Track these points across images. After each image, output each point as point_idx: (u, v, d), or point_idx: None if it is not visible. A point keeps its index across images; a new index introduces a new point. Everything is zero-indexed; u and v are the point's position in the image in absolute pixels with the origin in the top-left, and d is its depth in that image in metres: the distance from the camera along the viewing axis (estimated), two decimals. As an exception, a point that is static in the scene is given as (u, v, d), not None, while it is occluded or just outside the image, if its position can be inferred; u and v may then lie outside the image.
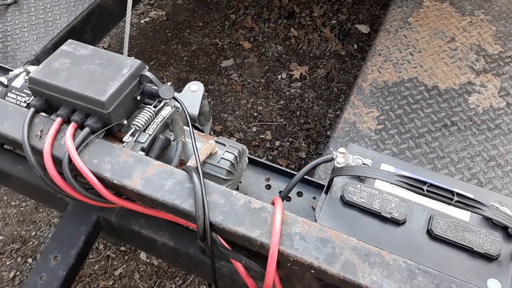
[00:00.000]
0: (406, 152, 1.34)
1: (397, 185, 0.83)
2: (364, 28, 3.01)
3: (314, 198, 1.23)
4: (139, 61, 1.05)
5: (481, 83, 1.56)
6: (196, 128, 1.26)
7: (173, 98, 1.07)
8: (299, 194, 1.22)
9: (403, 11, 1.87)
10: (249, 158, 1.27)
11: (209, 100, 2.64)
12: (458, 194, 0.82)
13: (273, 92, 2.68)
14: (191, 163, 1.01)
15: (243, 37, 2.98)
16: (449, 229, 0.90)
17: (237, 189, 1.19)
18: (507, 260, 0.88)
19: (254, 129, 2.50)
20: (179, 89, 2.75)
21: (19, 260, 2.16)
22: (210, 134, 1.39)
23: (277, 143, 2.44)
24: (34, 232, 2.25)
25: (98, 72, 1.03)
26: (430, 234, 0.90)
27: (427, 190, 0.82)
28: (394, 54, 1.65)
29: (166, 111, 1.12)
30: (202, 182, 0.87)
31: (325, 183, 1.25)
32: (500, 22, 1.81)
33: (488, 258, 0.87)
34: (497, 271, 0.86)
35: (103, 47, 2.87)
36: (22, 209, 2.31)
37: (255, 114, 2.58)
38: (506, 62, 1.64)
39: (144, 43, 2.94)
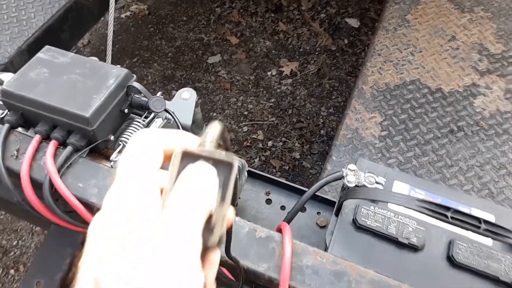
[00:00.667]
0: (413, 161, 1.27)
1: (419, 211, 0.75)
2: (354, 22, 2.93)
3: (318, 213, 1.15)
4: (126, 70, 0.95)
5: (486, 84, 1.49)
6: (189, 140, 1.16)
7: (166, 110, 0.97)
8: (302, 208, 1.14)
9: (400, 8, 1.79)
10: (248, 171, 1.18)
11: (197, 98, 2.53)
12: (486, 222, 0.74)
13: (263, 89, 2.59)
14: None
15: (229, 31, 2.87)
16: (471, 255, 0.83)
17: (236, 205, 1.10)
18: (536, 288, 0.81)
19: (245, 128, 2.41)
20: (164, 87, 2.63)
21: (0, 271, 2.03)
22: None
23: (270, 143, 2.35)
24: (16, 242, 2.13)
25: (80, 83, 0.92)
26: (451, 261, 0.83)
27: (451, 217, 0.75)
28: (394, 54, 1.57)
29: (157, 124, 1.01)
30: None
31: (329, 196, 1.17)
32: (500, 19, 1.74)
33: (515, 287, 0.81)
34: (525, 302, 0.80)
35: (83, 43, 2.73)
36: (1, 217, 2.18)
37: (246, 113, 2.48)
38: (510, 62, 1.57)
39: (126, 39, 2.80)
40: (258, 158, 2.24)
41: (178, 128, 0.96)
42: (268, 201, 1.16)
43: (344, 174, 0.91)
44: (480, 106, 1.42)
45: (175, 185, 0.35)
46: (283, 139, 2.37)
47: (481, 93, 1.46)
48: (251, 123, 2.42)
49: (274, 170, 2.24)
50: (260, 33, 2.89)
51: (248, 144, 2.34)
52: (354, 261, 0.86)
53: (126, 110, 0.96)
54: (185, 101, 1.17)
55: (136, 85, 0.93)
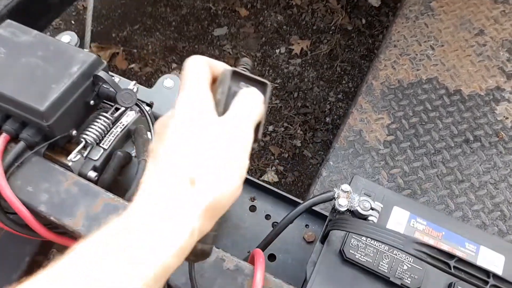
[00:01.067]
0: (419, 172, 1.14)
1: (416, 257, 0.63)
2: (374, 1, 2.72)
3: (306, 226, 1.04)
4: (94, 56, 0.82)
5: None
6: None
7: (136, 104, 0.85)
8: (289, 221, 1.02)
9: (425, -9, 1.61)
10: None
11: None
12: (495, 276, 0.62)
13: (270, 68, 2.44)
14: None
15: (239, 2, 2.69)
16: (473, 305, 0.71)
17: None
18: None
19: (246, 110, 2.27)
20: (165, 59, 2.49)
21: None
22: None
23: (271, 128, 2.22)
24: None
25: (40, 68, 0.80)
26: (450, 310, 0.71)
27: (454, 267, 0.63)
28: (412, 47, 1.41)
29: (129, 118, 0.89)
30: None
31: (320, 209, 1.05)
32: (537, 13, 1.56)
33: None
34: None
35: (83, 5, 2.57)
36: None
37: (248, 93, 2.33)
38: (542, 64, 1.41)
39: (129, 4, 2.64)
40: (256, 144, 2.12)
41: (150, 128, 0.84)
42: (253, 208, 1.05)
43: (336, 196, 0.79)
44: (503, 114, 1.27)
45: (235, 101, 0.45)
46: (285, 124, 2.24)
47: (506, 98, 1.31)
48: (253, 104, 2.28)
49: (272, 158, 2.12)
50: (272, 5, 2.71)
51: (248, 127, 2.22)
52: (337, 300, 0.76)
53: (92, 102, 0.84)
54: (168, 90, 1.04)
55: (103, 75, 0.80)
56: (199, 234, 0.40)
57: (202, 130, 0.42)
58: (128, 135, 0.90)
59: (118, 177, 0.88)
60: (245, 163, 0.42)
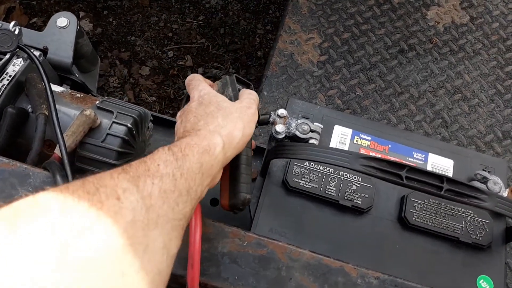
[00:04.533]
0: (357, 90, 1.09)
1: (364, 173, 0.58)
2: None
3: (246, 163, 0.96)
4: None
5: (440, -9, 1.29)
6: (74, 84, 0.90)
7: (20, 48, 0.71)
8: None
9: None
10: (157, 118, 0.95)
11: (110, 19, 2.17)
12: (449, 180, 0.58)
13: (190, 5, 2.26)
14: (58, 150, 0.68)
15: None
16: (427, 214, 0.69)
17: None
18: (499, 247, 0.69)
19: (171, 53, 2.12)
20: (70, 8, 2.23)
21: None
22: (98, 89, 1.04)
23: (200, 70, 2.09)
24: None
25: None
26: (405, 224, 0.68)
27: (406, 178, 0.58)
28: (335, -43, 1.31)
29: (16, 67, 0.75)
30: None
31: (261, 141, 0.98)
32: None
33: (477, 248, 0.68)
34: (488, 264, 0.68)
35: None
36: None
37: (170, 34, 2.17)
38: (467, -38, 1.37)
39: None
40: (186, 91, 2.00)
41: (41, 74, 0.70)
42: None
43: (271, 119, 0.72)
44: (434, 19, 1.23)
45: (243, 94, 0.64)
46: (216, 64, 2.12)
47: (435, 2, 1.27)
48: (177, 46, 2.12)
49: (206, 101, 2.02)
50: None
51: (175, 72, 2.07)
52: (287, 234, 0.70)
53: (-37, 50, 0.68)
54: (63, 30, 0.89)
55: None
56: (225, 152, 0.54)
57: (221, 103, 0.60)
58: (19, 88, 0.76)
59: (18, 139, 0.75)
60: (252, 128, 0.59)
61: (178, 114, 0.62)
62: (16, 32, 0.75)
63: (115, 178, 0.38)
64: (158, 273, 0.39)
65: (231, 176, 0.62)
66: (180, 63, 2.11)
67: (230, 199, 0.62)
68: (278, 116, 0.72)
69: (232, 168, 0.60)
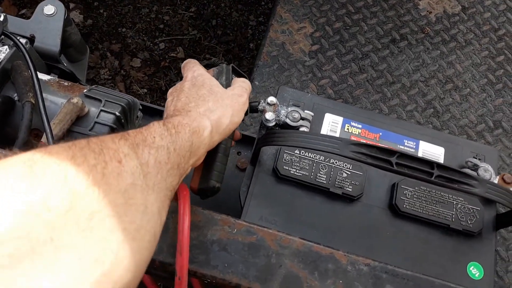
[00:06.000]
0: (349, 80, 1.09)
1: (354, 159, 0.57)
2: None
3: (238, 153, 0.96)
4: None
5: (432, -19, 1.29)
6: (62, 73, 0.89)
7: (5, 35, 0.69)
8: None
9: None
10: (146, 107, 0.95)
11: (101, 11, 2.15)
12: (440, 166, 0.58)
13: (182, -4, 2.24)
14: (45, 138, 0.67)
15: None
16: (418, 201, 0.69)
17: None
18: (489, 234, 0.69)
19: (162, 45, 2.10)
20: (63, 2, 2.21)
21: None
22: (87, 75, 1.03)
23: (191, 62, 2.07)
24: None
25: None
26: (395, 210, 0.68)
27: (396, 164, 0.58)
28: None
29: (2, 55, 0.74)
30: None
31: (252, 131, 0.98)
32: None
33: (467, 235, 0.68)
34: (479, 251, 0.68)
35: None
36: None
37: (161, 26, 2.16)
38: (459, -48, 1.37)
39: None
40: (179, 80, 1.98)
41: (28, 62, 0.69)
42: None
43: (261, 107, 0.71)
44: (426, 9, 1.23)
45: (235, 82, 0.65)
46: (208, 56, 2.10)
47: (427, -9, 1.26)
48: (169, 38, 2.10)
49: (198, 93, 2.01)
50: None
51: (167, 64, 2.05)
52: (277, 222, 0.70)
53: None
54: (50, 17, 0.88)
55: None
56: (212, 136, 0.55)
57: (213, 88, 0.60)
58: (5, 76, 0.75)
59: (4, 127, 0.74)
60: (240, 117, 0.60)
61: (170, 90, 0.63)
62: (1, 19, 0.74)
63: (116, 142, 0.40)
64: (153, 235, 0.41)
65: (205, 162, 0.62)
66: (172, 54, 2.10)
67: (200, 183, 0.63)
68: (268, 104, 0.72)
69: (208, 155, 0.60)
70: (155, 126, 0.48)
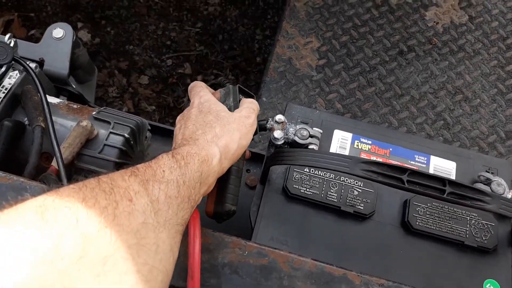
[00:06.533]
0: (357, 94, 1.08)
1: (365, 177, 0.57)
2: None
3: (248, 171, 0.96)
4: None
5: (438, -8, 1.29)
6: (71, 95, 0.90)
7: (16, 60, 0.70)
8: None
9: None
10: (155, 127, 0.95)
11: (108, 29, 2.18)
12: (452, 183, 0.57)
13: (187, 12, 2.27)
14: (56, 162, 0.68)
15: None
16: (431, 218, 0.68)
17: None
18: (505, 249, 0.68)
19: (169, 62, 2.12)
20: (68, 19, 2.24)
21: None
22: (95, 98, 1.04)
23: (199, 77, 2.09)
24: None
25: None
26: (408, 228, 0.68)
27: (408, 181, 0.57)
28: (331, -39, 1.31)
29: (12, 80, 0.75)
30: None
31: (260, 150, 0.98)
32: None
33: (482, 251, 0.67)
34: (494, 267, 0.67)
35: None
36: None
37: (168, 42, 2.18)
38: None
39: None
40: (186, 97, 1.99)
41: (37, 86, 0.70)
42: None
43: (269, 125, 0.71)
44: (433, 19, 1.23)
45: (243, 103, 0.65)
46: (215, 71, 2.12)
47: (433, 2, 1.26)
48: (176, 54, 2.12)
49: (206, 108, 2.01)
50: None
51: (174, 80, 2.07)
52: (288, 242, 0.70)
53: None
54: (59, 41, 0.89)
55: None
56: (221, 163, 0.55)
57: (220, 113, 0.60)
58: (16, 100, 0.75)
59: (15, 152, 0.75)
60: (248, 139, 0.61)
61: (178, 118, 0.63)
62: (12, 44, 0.75)
63: (126, 180, 0.40)
64: (166, 274, 0.41)
65: (219, 185, 0.62)
66: (179, 71, 2.11)
67: (215, 207, 0.63)
68: (276, 122, 0.72)
69: (221, 178, 0.60)
70: (164, 159, 0.48)
